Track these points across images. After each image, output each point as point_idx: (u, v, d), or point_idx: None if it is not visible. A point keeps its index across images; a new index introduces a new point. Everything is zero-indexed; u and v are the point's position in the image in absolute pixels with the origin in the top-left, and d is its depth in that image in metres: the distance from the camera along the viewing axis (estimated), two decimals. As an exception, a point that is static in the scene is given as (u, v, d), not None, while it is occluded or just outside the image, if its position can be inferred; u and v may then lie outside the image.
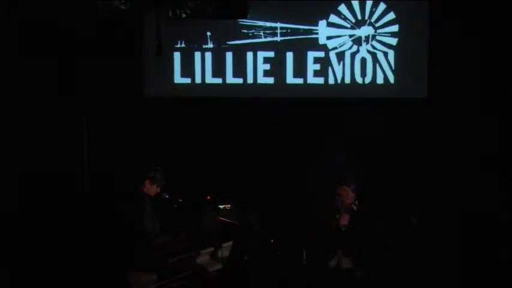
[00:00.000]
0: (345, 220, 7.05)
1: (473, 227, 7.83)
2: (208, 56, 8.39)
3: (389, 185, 8.07)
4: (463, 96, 8.20)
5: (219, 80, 8.42)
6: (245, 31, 8.36)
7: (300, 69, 8.40)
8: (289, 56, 8.39)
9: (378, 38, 8.40)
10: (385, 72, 8.42)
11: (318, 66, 8.42)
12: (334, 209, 7.12)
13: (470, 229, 7.82)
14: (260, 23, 8.35)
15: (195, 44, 8.36)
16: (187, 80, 8.42)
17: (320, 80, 8.43)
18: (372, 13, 8.38)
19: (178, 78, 8.42)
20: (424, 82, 8.35)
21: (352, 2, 8.38)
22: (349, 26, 8.40)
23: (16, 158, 7.94)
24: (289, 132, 8.33)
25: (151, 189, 6.52)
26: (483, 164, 8.12)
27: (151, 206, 6.44)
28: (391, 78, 8.43)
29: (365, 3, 8.37)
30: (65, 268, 7.56)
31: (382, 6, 8.37)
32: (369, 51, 8.41)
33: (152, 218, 6.40)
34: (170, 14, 5.96)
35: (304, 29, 8.38)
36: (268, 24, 8.37)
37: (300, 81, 8.43)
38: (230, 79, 8.42)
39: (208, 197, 7.48)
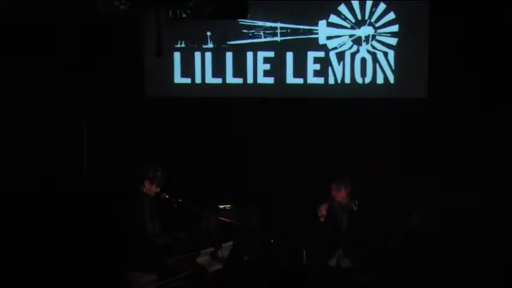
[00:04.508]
0: (322, 210, 7.05)
1: (473, 227, 7.83)
2: (208, 56, 8.39)
3: (389, 185, 8.06)
4: (463, 96, 8.20)
5: (219, 80, 8.42)
6: (245, 31, 8.36)
7: (300, 69, 8.40)
8: (289, 56, 8.40)
9: (378, 38, 8.40)
10: (385, 72, 8.42)
11: (318, 66, 8.42)
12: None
13: (470, 229, 7.81)
14: (260, 23, 8.36)
15: (195, 44, 8.36)
16: (187, 80, 8.42)
17: (320, 80, 8.44)
18: (372, 13, 8.39)
19: (178, 78, 8.42)
20: (424, 82, 8.35)
21: (352, 2, 8.38)
22: (349, 26, 8.40)
23: (16, 157, 7.94)
24: (289, 132, 8.33)
25: (151, 189, 6.51)
26: (483, 164, 8.12)
27: (151, 206, 6.43)
28: (391, 78, 8.43)
29: (365, 3, 8.37)
30: (65, 268, 7.55)
31: (382, 6, 8.38)
32: (369, 51, 8.42)
33: (152, 218, 6.39)
34: (170, 14, 5.95)
35: (304, 29, 8.38)
36: (268, 24, 8.37)
37: (300, 81, 8.43)
38: (230, 79, 8.42)
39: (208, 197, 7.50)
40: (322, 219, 7.09)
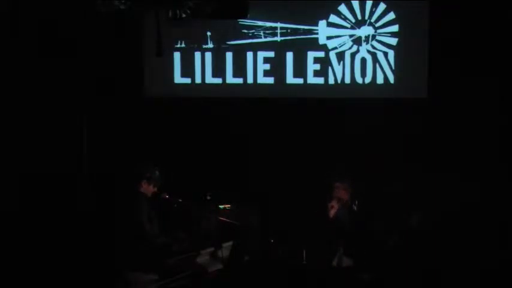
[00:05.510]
0: (333, 208, 7.08)
1: (473, 227, 7.83)
2: (208, 56, 8.39)
3: (389, 185, 8.06)
4: (463, 96, 8.20)
5: (219, 80, 8.42)
6: (245, 31, 8.36)
7: (300, 69, 8.40)
8: (289, 56, 8.40)
9: (378, 38, 8.40)
10: (385, 72, 8.42)
11: (318, 66, 8.42)
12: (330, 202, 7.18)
13: (471, 229, 7.81)
14: (260, 23, 8.36)
15: (195, 44, 8.36)
16: (187, 80, 8.42)
17: (320, 80, 8.44)
18: (372, 13, 8.39)
19: (178, 78, 8.42)
20: (424, 82, 8.35)
21: (352, 2, 8.38)
22: (349, 26, 8.40)
23: (16, 158, 7.94)
24: (289, 132, 8.33)
25: (148, 189, 6.51)
26: (483, 164, 8.12)
27: (148, 206, 6.43)
28: (391, 78, 8.43)
29: (365, 3, 8.37)
30: (65, 268, 7.55)
31: (382, 6, 8.38)
32: (369, 51, 8.42)
33: (150, 218, 6.39)
34: (170, 14, 5.95)
35: (304, 29, 8.38)
36: (268, 24, 8.37)
37: (300, 81, 8.43)
38: (230, 79, 8.42)
39: (208, 197, 7.50)
40: (332, 212, 7.09)
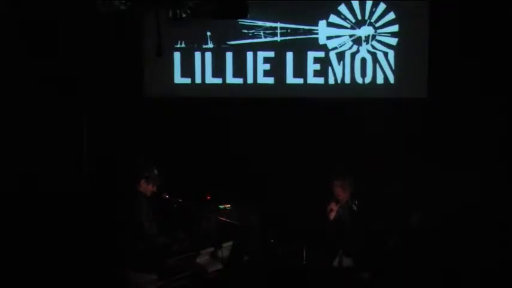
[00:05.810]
0: (332, 211, 7.08)
1: (473, 227, 7.83)
2: (208, 56, 8.39)
3: (389, 185, 8.06)
4: (463, 96, 8.21)
5: (219, 80, 8.42)
6: (245, 31, 8.36)
7: (300, 69, 8.40)
8: (289, 56, 8.40)
9: (378, 38, 8.40)
10: (385, 72, 8.42)
11: (318, 66, 8.42)
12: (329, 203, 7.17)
13: (471, 229, 7.81)
14: (260, 23, 8.36)
15: (195, 44, 8.36)
16: (187, 80, 8.43)
17: (320, 80, 8.44)
18: (372, 13, 8.39)
19: (178, 78, 8.42)
20: (424, 82, 8.35)
21: (352, 2, 8.38)
22: (349, 26, 8.40)
23: (16, 157, 7.94)
24: (289, 132, 8.33)
25: (147, 188, 6.50)
26: (483, 164, 8.12)
27: (147, 206, 6.43)
28: (391, 78, 8.43)
29: (365, 3, 8.37)
30: (65, 268, 7.55)
31: (382, 6, 8.38)
32: (369, 51, 8.42)
33: (149, 217, 6.39)
34: (170, 14, 5.95)
35: (304, 29, 8.38)
36: (268, 24, 8.37)
37: (300, 81, 8.43)
38: (230, 79, 8.42)
39: (208, 197, 7.50)
40: (332, 214, 7.08)
